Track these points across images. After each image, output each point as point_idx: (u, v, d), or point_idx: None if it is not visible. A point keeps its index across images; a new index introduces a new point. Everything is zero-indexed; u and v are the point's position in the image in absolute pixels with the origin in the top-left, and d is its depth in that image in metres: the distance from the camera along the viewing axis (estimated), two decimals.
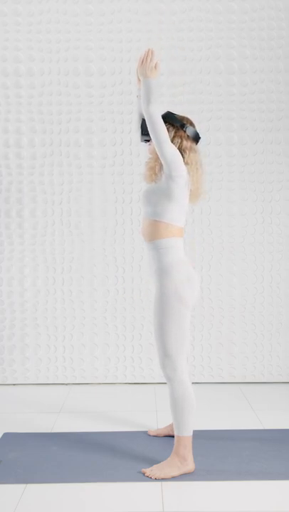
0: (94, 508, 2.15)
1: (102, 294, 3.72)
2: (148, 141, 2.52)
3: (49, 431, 2.93)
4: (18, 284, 3.71)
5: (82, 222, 3.70)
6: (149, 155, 2.54)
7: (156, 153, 2.44)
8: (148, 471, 2.39)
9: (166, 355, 2.39)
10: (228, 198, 3.70)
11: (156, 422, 3.04)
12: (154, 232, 2.44)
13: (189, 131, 2.46)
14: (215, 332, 3.71)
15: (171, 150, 2.34)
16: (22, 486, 2.31)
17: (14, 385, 3.74)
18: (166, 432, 2.81)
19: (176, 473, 2.37)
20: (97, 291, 3.72)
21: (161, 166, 2.44)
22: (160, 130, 2.32)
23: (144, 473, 2.39)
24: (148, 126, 2.36)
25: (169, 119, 2.46)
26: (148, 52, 2.38)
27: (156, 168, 2.46)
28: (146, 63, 2.36)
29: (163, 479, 2.34)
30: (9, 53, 3.65)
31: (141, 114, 2.54)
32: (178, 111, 3.60)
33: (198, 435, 2.71)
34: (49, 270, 3.71)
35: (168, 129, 2.44)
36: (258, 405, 3.29)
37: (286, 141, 3.69)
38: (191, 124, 2.51)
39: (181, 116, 2.50)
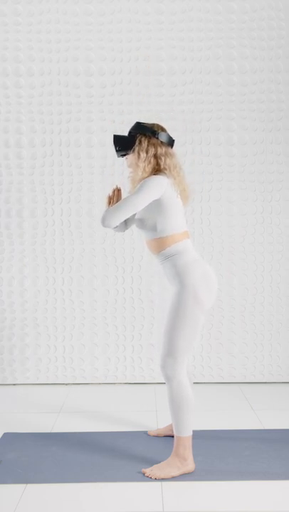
0: (94, 508, 2.15)
1: (102, 294, 3.72)
2: (124, 155, 2.53)
3: (49, 431, 2.93)
4: (18, 284, 3.72)
5: (82, 222, 3.70)
6: (128, 169, 2.56)
7: (135, 165, 2.46)
8: (148, 471, 2.39)
9: (169, 355, 2.38)
10: (228, 198, 3.70)
11: (156, 422, 3.04)
12: (160, 245, 2.45)
13: (162, 136, 2.46)
14: (215, 332, 3.71)
15: (141, 201, 2.34)
16: (22, 486, 2.31)
17: (14, 385, 3.74)
18: (166, 432, 2.81)
19: (176, 473, 2.37)
20: (97, 291, 3.72)
21: (144, 176, 2.44)
22: (124, 212, 2.35)
23: (144, 473, 2.39)
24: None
25: (140, 129, 2.47)
26: (114, 191, 2.54)
27: (139, 179, 2.46)
28: (112, 203, 2.52)
29: (163, 479, 2.35)
30: (9, 53, 3.65)
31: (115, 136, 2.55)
32: (178, 111, 3.64)
33: (198, 435, 2.71)
34: (49, 270, 3.71)
35: (140, 139, 2.45)
36: (258, 405, 3.29)
37: (286, 141, 3.69)
38: (163, 129, 2.50)
39: (151, 124, 2.50)
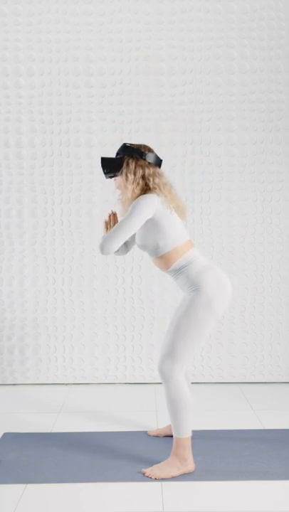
0: (94, 508, 2.15)
1: (102, 294, 3.72)
2: (112, 177, 2.53)
3: (49, 431, 2.93)
4: (18, 284, 3.72)
5: (82, 222, 3.70)
6: (118, 191, 2.56)
7: (124, 187, 2.46)
8: (148, 471, 2.39)
9: (169, 356, 2.37)
10: (228, 198, 3.70)
11: (156, 422, 3.04)
12: (167, 261, 2.46)
13: (149, 157, 2.46)
14: (215, 332, 3.71)
15: (135, 222, 2.34)
16: (22, 486, 2.31)
17: (14, 385, 3.74)
18: (166, 432, 2.80)
19: (176, 473, 2.37)
20: (97, 291, 3.72)
21: (133, 197, 2.44)
22: (120, 236, 2.34)
23: (144, 473, 2.39)
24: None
25: (127, 151, 2.47)
26: (110, 216, 2.56)
27: (129, 201, 2.46)
28: (109, 228, 2.53)
29: (163, 479, 2.35)
30: (9, 53, 3.65)
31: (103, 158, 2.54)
32: (178, 111, 3.64)
33: (198, 435, 2.71)
34: (49, 270, 3.71)
35: (128, 161, 2.45)
36: (258, 405, 3.29)
37: (286, 141, 3.69)
38: (150, 150, 2.50)
39: (138, 145, 2.49)
